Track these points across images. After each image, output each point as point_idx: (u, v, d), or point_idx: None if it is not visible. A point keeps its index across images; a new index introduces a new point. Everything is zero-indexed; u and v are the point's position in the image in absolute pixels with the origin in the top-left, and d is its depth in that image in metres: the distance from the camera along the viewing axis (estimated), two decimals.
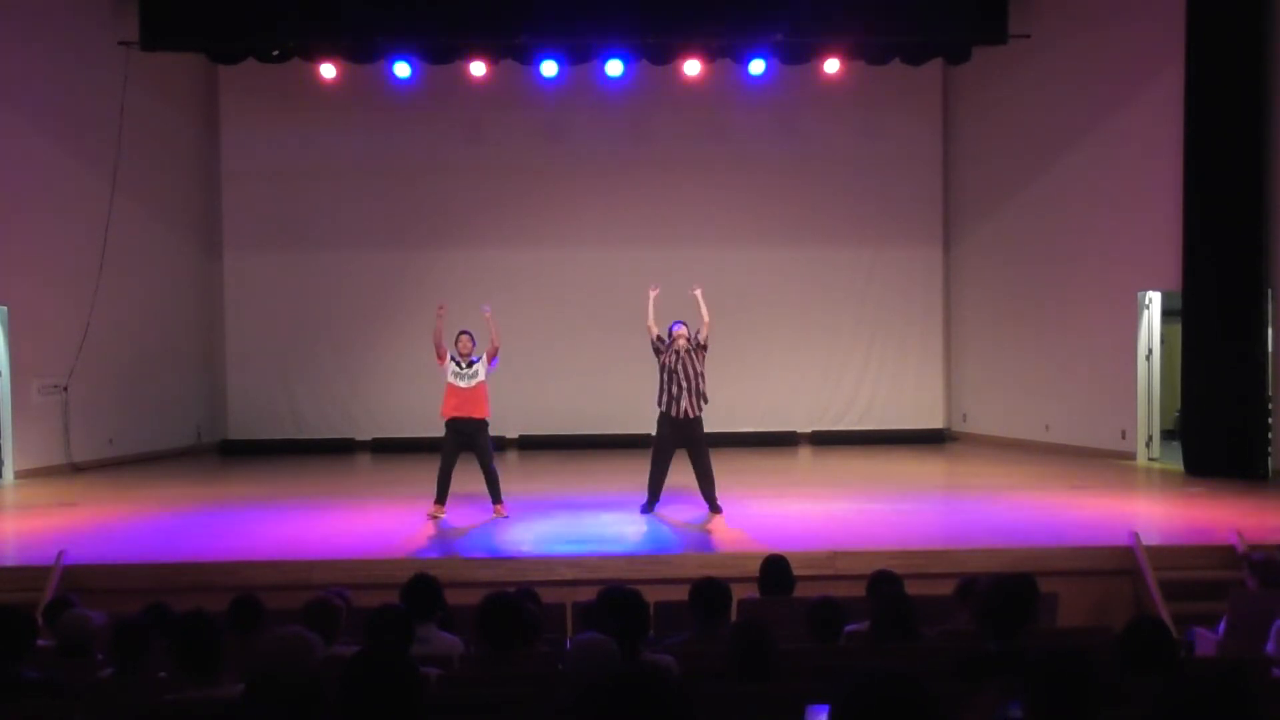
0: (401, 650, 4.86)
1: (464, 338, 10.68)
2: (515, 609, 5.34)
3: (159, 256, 15.57)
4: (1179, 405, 13.47)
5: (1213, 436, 12.53)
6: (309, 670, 4.05)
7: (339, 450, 16.20)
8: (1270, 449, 12.29)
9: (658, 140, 16.58)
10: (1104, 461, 13.89)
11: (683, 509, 10.73)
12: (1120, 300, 14.11)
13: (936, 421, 16.93)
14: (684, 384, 10.33)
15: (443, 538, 9.85)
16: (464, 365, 10.55)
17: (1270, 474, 12.20)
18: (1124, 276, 14.02)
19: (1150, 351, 14.00)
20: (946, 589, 6.87)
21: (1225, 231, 12.44)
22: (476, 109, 16.24)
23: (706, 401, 10.49)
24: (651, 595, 6.23)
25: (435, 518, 10.39)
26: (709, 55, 14.38)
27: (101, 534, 10.17)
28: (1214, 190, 12.51)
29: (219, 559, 8.97)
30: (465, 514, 10.62)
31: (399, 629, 5.06)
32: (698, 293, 10.88)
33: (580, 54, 14.29)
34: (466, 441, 10.53)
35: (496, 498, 10.58)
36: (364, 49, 14.18)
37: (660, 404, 10.45)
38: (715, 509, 10.44)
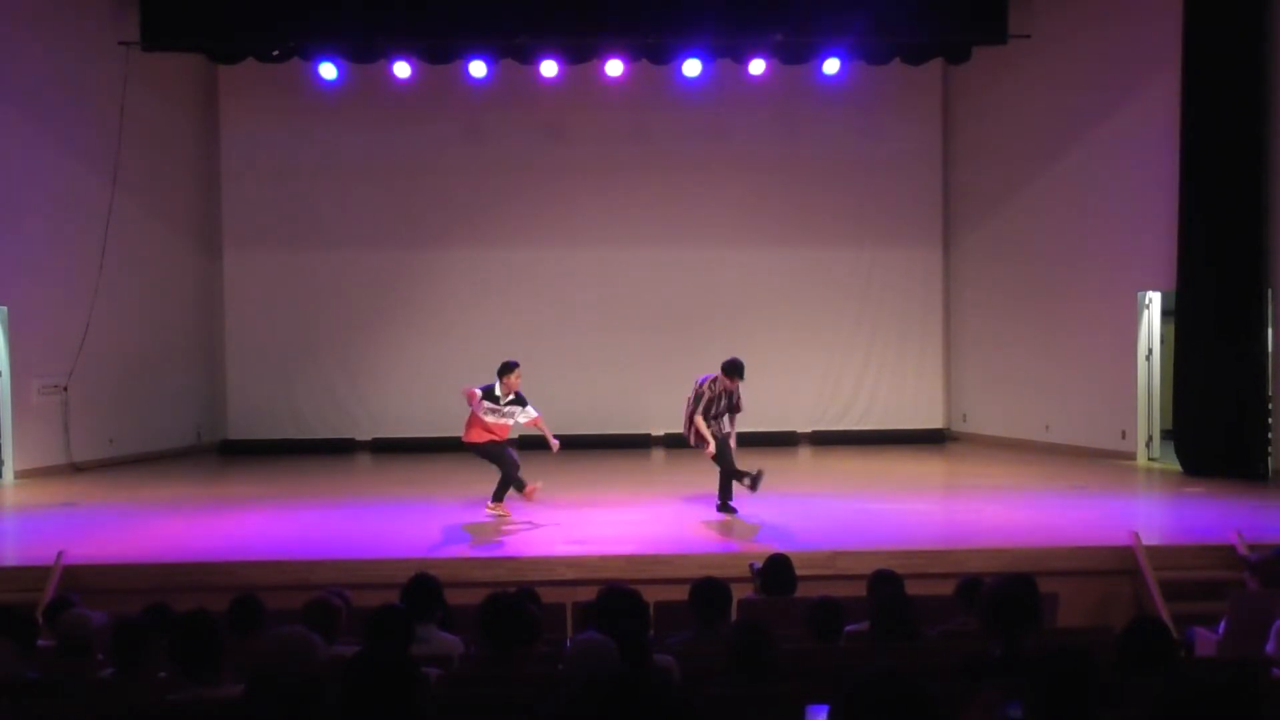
0: (401, 650, 4.86)
1: (518, 372, 10.47)
2: (516, 609, 5.35)
3: (159, 256, 15.56)
4: None
5: (1211, 437, 12.52)
6: (310, 670, 4.05)
7: (339, 450, 16.19)
8: (1270, 449, 12.29)
9: (658, 140, 16.56)
10: (1104, 461, 13.89)
11: (684, 509, 10.73)
12: (1120, 300, 14.11)
13: (936, 421, 16.92)
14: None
15: (443, 538, 9.85)
16: (502, 403, 10.44)
17: (1270, 474, 12.20)
18: (1124, 276, 14.02)
19: (1150, 351, 14.00)
20: (946, 589, 6.87)
21: (1224, 231, 12.44)
22: (476, 109, 16.22)
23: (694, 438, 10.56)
24: (651, 595, 6.24)
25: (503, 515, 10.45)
26: (709, 55, 14.37)
27: (101, 534, 10.16)
28: (1212, 190, 12.51)
29: (219, 559, 8.98)
30: (465, 514, 10.62)
31: (399, 629, 5.06)
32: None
33: (580, 54, 14.29)
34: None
35: (499, 496, 10.58)
36: (364, 49, 14.18)
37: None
38: (724, 508, 10.53)
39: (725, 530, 9.98)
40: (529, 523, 10.30)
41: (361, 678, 3.55)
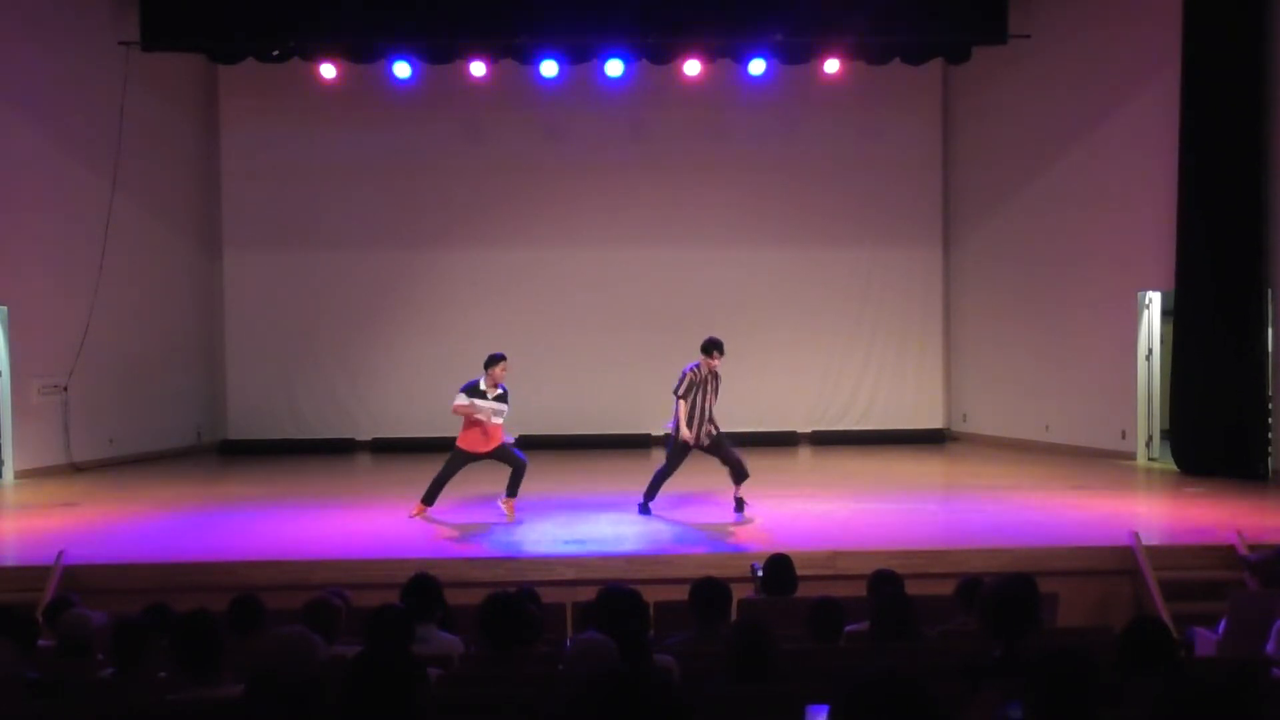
0: (405, 651, 4.86)
1: (504, 364, 10.45)
2: (517, 609, 5.35)
3: (159, 256, 15.57)
4: None
5: (1210, 437, 12.51)
6: (310, 670, 4.05)
7: (339, 450, 16.19)
8: (1270, 449, 12.28)
9: (658, 140, 16.57)
10: (1104, 461, 13.89)
11: (684, 509, 10.73)
12: (1120, 300, 14.11)
13: (936, 421, 16.93)
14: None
15: (443, 538, 9.85)
16: (489, 396, 10.38)
17: (1270, 474, 12.19)
18: (1124, 276, 14.02)
19: (1150, 351, 14.00)
20: (946, 589, 6.87)
21: (1223, 231, 12.42)
22: (476, 109, 16.23)
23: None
24: (651, 595, 6.24)
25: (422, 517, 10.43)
26: (709, 55, 14.38)
27: (101, 534, 10.16)
28: (1212, 189, 12.50)
29: (219, 559, 8.97)
30: (465, 514, 10.62)
31: (399, 629, 5.06)
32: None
33: (580, 54, 14.29)
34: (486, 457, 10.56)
35: (512, 491, 10.58)
36: (364, 49, 14.18)
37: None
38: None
39: (725, 530, 9.98)
40: (529, 523, 10.30)
41: (365, 678, 3.55)
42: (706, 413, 10.43)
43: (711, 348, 10.47)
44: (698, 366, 10.46)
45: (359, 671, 3.57)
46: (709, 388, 10.45)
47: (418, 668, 3.70)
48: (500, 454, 10.48)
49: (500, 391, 10.43)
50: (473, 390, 10.38)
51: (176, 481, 13.59)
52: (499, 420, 10.39)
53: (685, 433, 10.35)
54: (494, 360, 10.45)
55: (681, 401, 10.40)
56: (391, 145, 16.45)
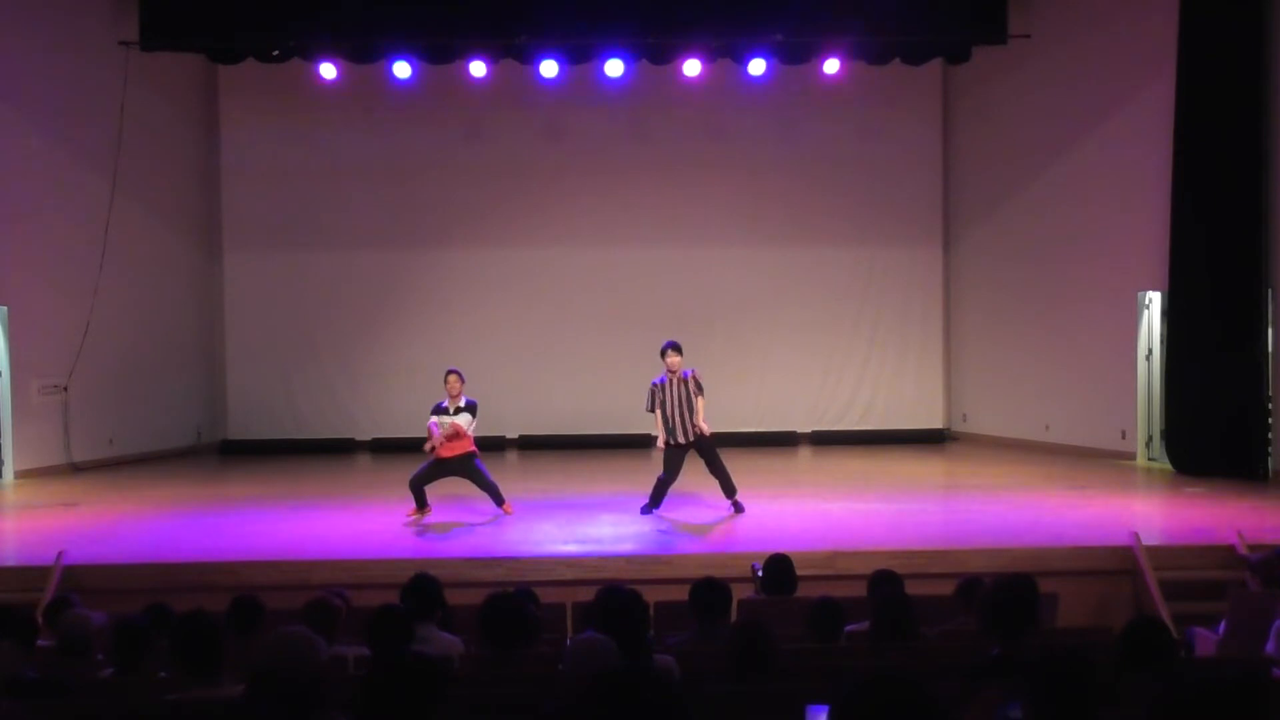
0: (419, 653, 4.87)
1: (453, 377, 10.55)
2: (518, 609, 5.35)
3: (159, 256, 15.57)
4: None
5: (1206, 437, 12.49)
6: (310, 670, 4.06)
7: (339, 450, 16.19)
8: (1270, 449, 12.27)
9: (658, 140, 16.57)
10: (1104, 461, 13.88)
11: (683, 509, 10.73)
12: (1120, 300, 14.11)
13: (936, 422, 16.92)
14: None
15: (442, 538, 9.85)
16: (450, 411, 10.45)
17: (1270, 474, 12.19)
18: (1124, 277, 14.01)
19: (1150, 351, 13.99)
20: (946, 589, 6.87)
21: (1222, 231, 12.40)
22: (476, 109, 16.22)
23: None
24: (651, 595, 6.24)
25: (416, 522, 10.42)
26: (709, 55, 14.38)
27: (101, 534, 10.17)
28: (1209, 190, 12.47)
29: (219, 559, 8.98)
30: (465, 514, 10.62)
31: (399, 629, 5.06)
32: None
33: (580, 54, 14.29)
34: (454, 471, 10.56)
35: (499, 501, 10.60)
36: (364, 49, 14.18)
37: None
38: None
39: (725, 530, 9.99)
40: (529, 523, 10.30)
41: (388, 678, 3.54)
42: (680, 417, 10.38)
43: (663, 351, 10.56)
44: (661, 379, 10.49)
45: (384, 672, 3.55)
46: (675, 393, 10.40)
47: (440, 668, 3.69)
48: (466, 470, 10.49)
49: (463, 405, 10.45)
50: (437, 409, 10.53)
51: (176, 481, 13.59)
52: (450, 438, 10.38)
53: (660, 443, 10.43)
54: (446, 376, 10.55)
55: (653, 414, 10.51)
56: (391, 145, 16.45)
